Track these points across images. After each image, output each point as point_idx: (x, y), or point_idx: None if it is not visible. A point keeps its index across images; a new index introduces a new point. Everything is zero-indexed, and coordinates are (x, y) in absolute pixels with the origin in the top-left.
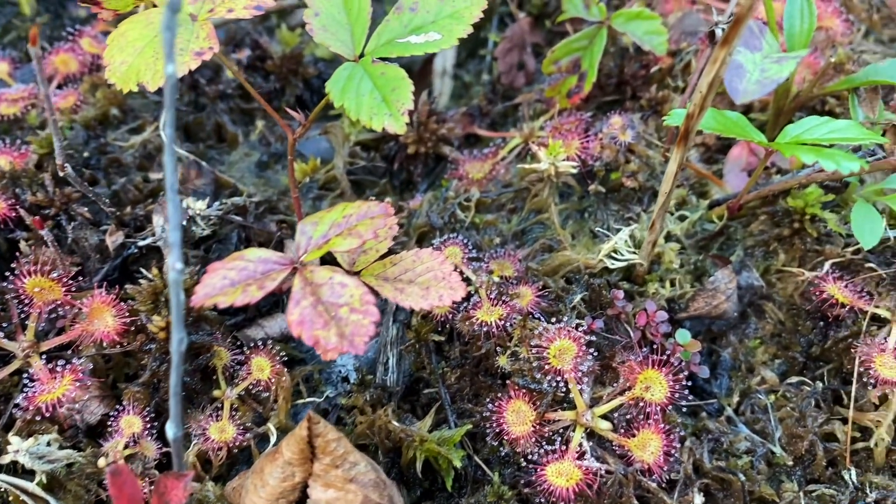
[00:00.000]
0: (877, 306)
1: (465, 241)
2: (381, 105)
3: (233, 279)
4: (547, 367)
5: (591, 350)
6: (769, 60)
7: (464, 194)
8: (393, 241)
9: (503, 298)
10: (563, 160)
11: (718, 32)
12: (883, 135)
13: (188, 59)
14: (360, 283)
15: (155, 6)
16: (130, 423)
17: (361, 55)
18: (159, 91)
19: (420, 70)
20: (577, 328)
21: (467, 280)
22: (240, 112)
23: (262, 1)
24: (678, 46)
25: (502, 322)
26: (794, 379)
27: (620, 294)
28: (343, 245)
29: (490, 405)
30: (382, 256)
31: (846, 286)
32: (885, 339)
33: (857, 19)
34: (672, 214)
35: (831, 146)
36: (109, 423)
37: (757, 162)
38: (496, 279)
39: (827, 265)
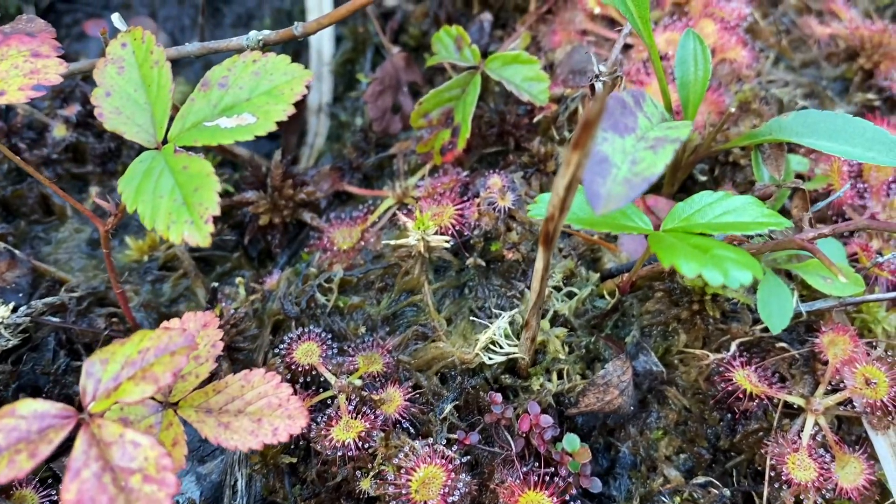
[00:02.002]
0: (789, 392)
1: (326, 333)
2: (181, 209)
3: None
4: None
5: (464, 474)
6: (643, 146)
7: (326, 272)
8: (241, 337)
9: (365, 410)
10: (435, 233)
11: (598, 87)
12: (791, 197)
13: None
14: (155, 444)
15: None
16: None
17: (165, 141)
18: None
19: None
20: (448, 445)
21: (325, 385)
22: (70, 178)
23: (42, 80)
24: (566, 87)
25: (362, 441)
26: (700, 479)
27: (498, 398)
28: (135, 393)
29: None
30: (207, 381)
31: (755, 370)
32: (799, 433)
33: (765, 45)
34: (559, 291)
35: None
36: None
37: (656, 221)
38: (358, 382)
39: (733, 346)
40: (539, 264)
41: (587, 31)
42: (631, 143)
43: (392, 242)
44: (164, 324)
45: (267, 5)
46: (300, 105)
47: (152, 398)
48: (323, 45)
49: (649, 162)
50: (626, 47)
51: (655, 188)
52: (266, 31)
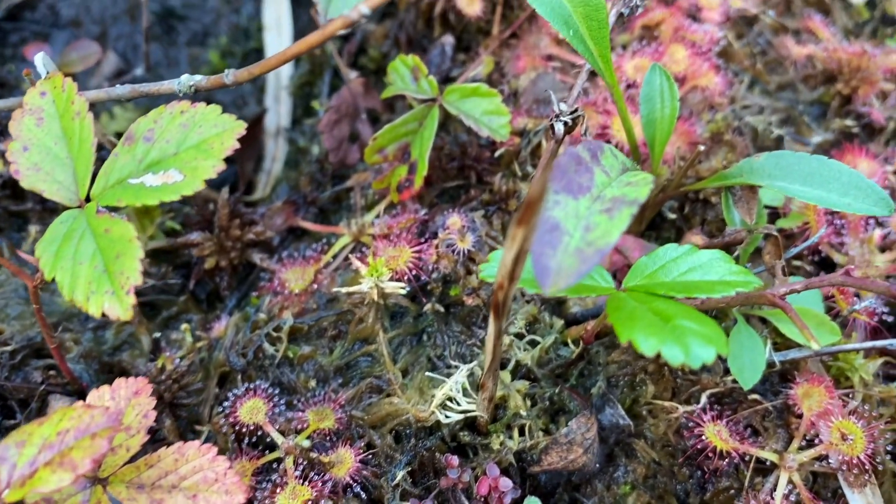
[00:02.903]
0: (762, 447)
1: (275, 387)
2: (102, 278)
3: None
4: None
5: None
6: (598, 208)
7: (276, 319)
8: (185, 393)
9: (313, 475)
10: (390, 279)
11: (559, 128)
12: (763, 242)
13: None
14: None
15: None
16: None
17: (88, 198)
18: None
19: (250, 129)
20: None
21: (272, 446)
22: (7, 216)
23: None
24: (530, 116)
25: None
26: None
27: (455, 461)
28: (51, 482)
29: None
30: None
31: (726, 424)
32: (772, 491)
33: (739, 69)
34: (521, 339)
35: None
36: None
37: (623, 261)
38: (306, 444)
39: (703, 398)
40: (491, 329)
41: (553, 57)
42: (585, 206)
43: (344, 290)
44: (93, 393)
45: (224, 21)
46: (257, 129)
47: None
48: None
49: (604, 229)
50: (594, 74)
51: None
52: (198, 77)
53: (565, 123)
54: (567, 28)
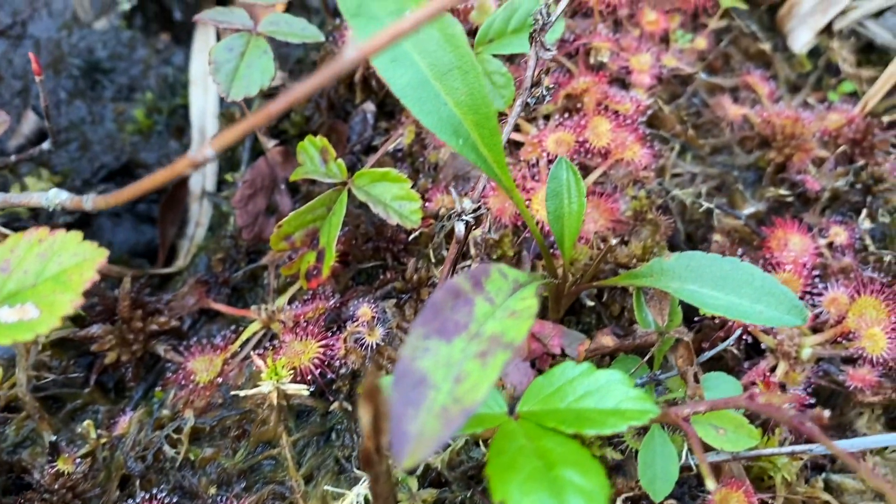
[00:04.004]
0: None
1: (174, 493)
2: None
3: None
4: None
5: None
6: (473, 350)
7: (177, 419)
8: (80, 501)
9: None
10: (294, 379)
11: (460, 229)
12: (674, 347)
13: None
14: None
15: None
16: None
17: None
18: None
19: (174, 191)
20: None
21: None
22: None
23: None
24: (447, 193)
25: None
26: None
27: None
28: None
29: None
30: None
31: None
32: None
33: (670, 135)
34: None
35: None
36: None
37: (541, 349)
38: None
39: (619, 503)
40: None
41: None
42: (459, 349)
43: (242, 393)
44: None
45: (152, 73)
46: (182, 191)
47: None
48: (206, 123)
49: (475, 380)
50: (517, 145)
51: (542, 310)
52: (64, 196)
53: (467, 223)
54: (456, 138)
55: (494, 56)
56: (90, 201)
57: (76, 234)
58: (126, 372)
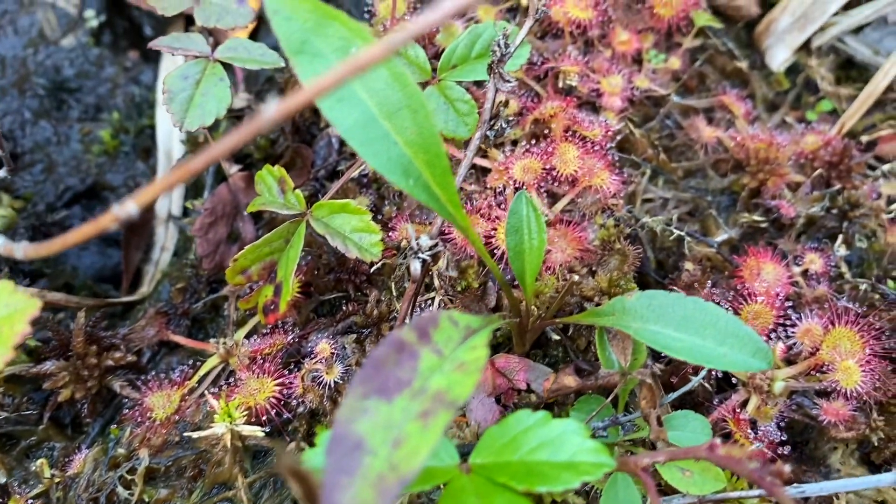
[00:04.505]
0: None
1: None
2: None
3: None
4: None
5: None
6: (415, 409)
7: (132, 458)
8: None
9: None
10: (248, 420)
11: (416, 268)
12: (638, 387)
13: None
14: None
15: None
16: None
17: None
18: None
19: (140, 214)
20: None
21: None
22: None
23: None
24: (413, 221)
25: None
26: None
27: None
28: None
29: None
30: None
31: None
32: None
33: (641, 159)
34: None
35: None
36: None
37: (507, 384)
38: None
39: None
40: None
41: None
42: (400, 409)
43: (195, 435)
44: None
45: (120, 92)
46: (149, 214)
47: None
48: (172, 146)
49: (414, 445)
50: (484, 171)
51: (507, 344)
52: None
53: (423, 261)
54: (406, 178)
55: (458, 82)
56: (21, 250)
57: (6, 284)
58: (82, 408)
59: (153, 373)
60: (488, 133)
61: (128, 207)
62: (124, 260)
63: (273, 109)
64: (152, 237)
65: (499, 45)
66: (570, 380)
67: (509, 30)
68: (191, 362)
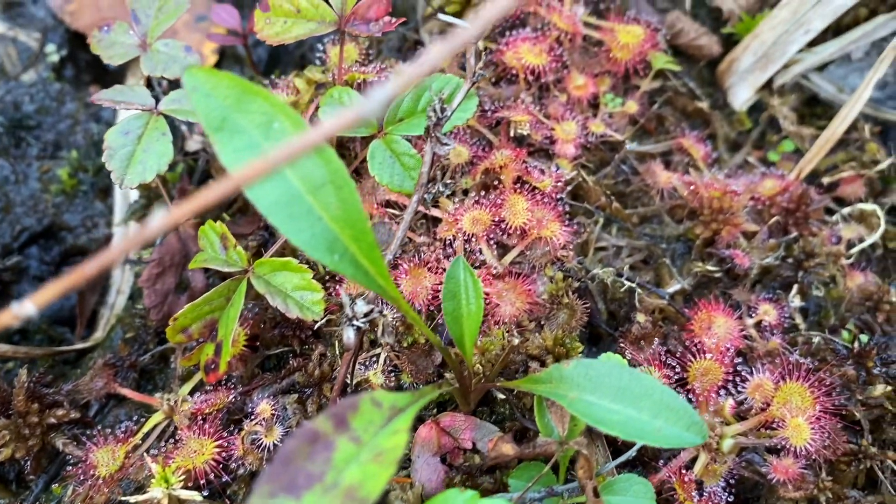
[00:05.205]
0: None
1: None
2: None
3: None
4: None
5: None
6: None
7: None
8: None
9: None
10: (186, 484)
11: (349, 336)
12: (572, 464)
13: None
14: None
15: None
16: None
17: None
18: None
19: (96, 255)
20: None
21: None
22: None
23: None
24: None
25: None
26: None
27: None
28: None
29: None
30: None
31: None
32: None
33: (594, 207)
34: None
35: None
36: None
37: (452, 443)
38: None
39: None
40: None
41: (391, 203)
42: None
43: (132, 500)
44: None
45: (80, 129)
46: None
47: None
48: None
49: None
50: (435, 221)
51: (452, 402)
52: None
53: (358, 329)
54: (331, 254)
55: (404, 137)
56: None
57: None
58: (24, 465)
59: (99, 427)
60: (426, 197)
61: (26, 308)
62: (79, 304)
63: (158, 221)
64: (109, 279)
65: (434, 111)
66: (508, 448)
67: (453, 86)
68: (136, 417)
